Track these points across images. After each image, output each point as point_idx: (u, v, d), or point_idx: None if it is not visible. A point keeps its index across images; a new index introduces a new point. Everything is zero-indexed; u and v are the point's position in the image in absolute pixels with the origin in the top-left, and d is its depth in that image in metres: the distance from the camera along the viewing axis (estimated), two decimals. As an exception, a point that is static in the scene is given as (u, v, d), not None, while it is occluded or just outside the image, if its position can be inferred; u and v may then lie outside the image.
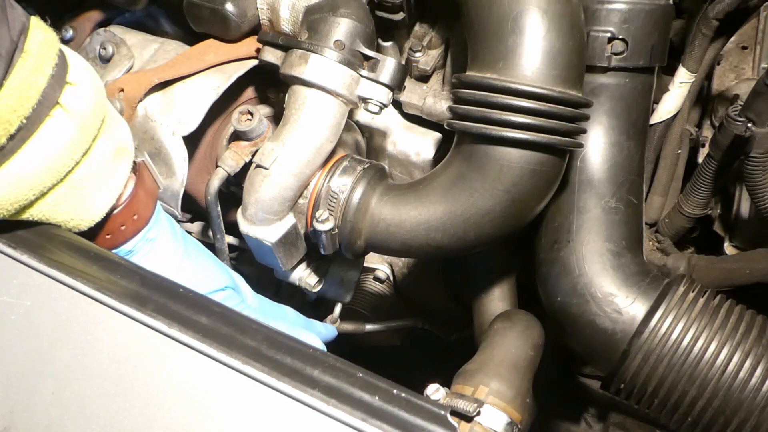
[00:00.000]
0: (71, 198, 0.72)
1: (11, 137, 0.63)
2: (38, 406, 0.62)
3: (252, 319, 0.65)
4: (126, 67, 0.99)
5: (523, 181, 0.81)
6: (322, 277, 1.04)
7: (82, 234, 0.75)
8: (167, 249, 0.83)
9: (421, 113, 1.09)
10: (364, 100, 0.89)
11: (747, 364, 0.78)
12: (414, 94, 1.09)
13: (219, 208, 0.93)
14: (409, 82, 1.09)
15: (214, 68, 0.96)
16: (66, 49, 0.71)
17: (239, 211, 0.90)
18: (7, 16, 0.62)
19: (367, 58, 0.89)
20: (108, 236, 0.78)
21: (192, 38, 1.02)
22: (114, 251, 0.79)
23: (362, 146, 1.11)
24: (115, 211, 0.77)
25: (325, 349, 0.85)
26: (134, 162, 0.79)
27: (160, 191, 0.88)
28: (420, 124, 1.12)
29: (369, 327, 1.29)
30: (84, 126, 0.69)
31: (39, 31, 0.66)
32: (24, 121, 0.64)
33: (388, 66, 0.88)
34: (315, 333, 0.99)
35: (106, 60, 1.00)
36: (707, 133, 1.09)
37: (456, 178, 0.84)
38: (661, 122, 1.08)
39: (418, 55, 1.06)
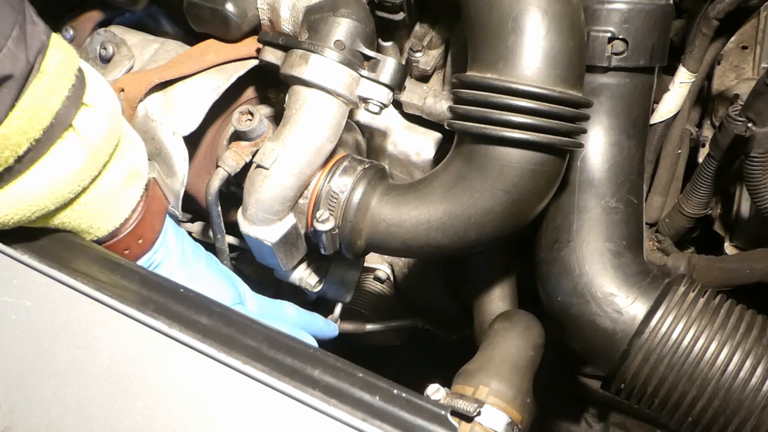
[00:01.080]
0: (75, 220, 0.71)
1: (19, 159, 0.62)
2: (39, 406, 0.62)
3: (252, 320, 0.65)
4: (126, 67, 0.99)
5: (523, 181, 0.81)
6: (323, 277, 1.04)
7: None
8: (170, 272, 0.82)
9: (422, 113, 1.09)
10: (365, 100, 0.89)
11: (747, 364, 0.78)
12: (414, 94, 1.09)
13: (219, 208, 0.93)
14: (409, 82, 1.09)
15: (215, 68, 0.96)
16: (87, 67, 0.70)
17: (239, 211, 0.90)
18: (26, 35, 0.60)
19: (367, 58, 0.89)
20: None
21: (192, 38, 1.01)
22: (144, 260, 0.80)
23: (362, 146, 1.11)
24: (121, 235, 0.76)
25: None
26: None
27: (169, 206, 0.87)
28: (420, 124, 1.12)
29: (369, 327, 1.29)
30: (95, 152, 0.68)
31: (58, 50, 0.64)
32: (33, 143, 0.62)
33: (388, 66, 0.88)
34: (317, 329, 0.98)
35: (106, 60, 1.00)
36: (707, 132, 1.09)
37: (456, 178, 0.84)
38: (661, 122, 1.08)
39: (418, 55, 1.06)
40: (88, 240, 0.74)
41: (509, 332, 0.93)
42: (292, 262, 0.96)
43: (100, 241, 0.75)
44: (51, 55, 0.63)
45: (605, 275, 0.86)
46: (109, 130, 0.70)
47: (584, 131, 0.84)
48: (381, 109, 0.90)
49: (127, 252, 0.77)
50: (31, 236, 0.70)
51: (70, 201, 0.69)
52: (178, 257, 0.83)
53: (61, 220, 0.70)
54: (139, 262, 0.79)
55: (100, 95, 0.69)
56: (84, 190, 0.69)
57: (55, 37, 0.65)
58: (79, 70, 0.67)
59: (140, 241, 0.78)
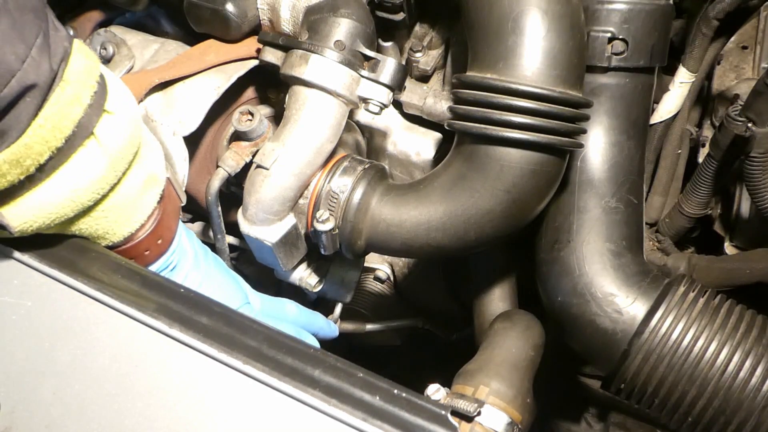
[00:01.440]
0: (93, 226, 0.71)
1: (40, 167, 0.62)
2: (39, 405, 0.62)
3: (252, 320, 0.65)
4: (126, 68, 0.99)
5: (523, 181, 0.81)
6: (323, 277, 1.04)
7: None
8: (186, 274, 0.82)
9: (422, 113, 1.09)
10: (365, 101, 0.90)
11: (747, 364, 0.78)
12: (414, 94, 1.09)
13: (219, 209, 0.93)
14: (409, 83, 1.09)
15: (215, 68, 0.96)
16: (107, 73, 0.69)
17: (240, 211, 0.91)
18: (49, 42, 0.59)
19: (367, 58, 0.89)
20: (131, 260, 0.77)
21: (192, 38, 1.02)
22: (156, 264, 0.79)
23: (363, 146, 1.11)
24: (141, 237, 0.75)
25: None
26: None
27: (181, 205, 0.87)
28: (420, 124, 1.12)
29: (369, 327, 1.29)
30: (116, 159, 0.67)
31: (80, 56, 0.64)
32: (55, 151, 0.62)
33: (388, 66, 0.88)
34: (317, 328, 0.98)
35: (106, 60, 1.00)
36: (707, 132, 1.09)
37: (456, 179, 0.84)
38: (661, 122, 1.08)
39: (418, 55, 1.06)
40: (103, 245, 0.74)
41: (509, 332, 0.93)
42: (292, 262, 0.96)
43: (116, 245, 0.75)
44: (73, 62, 0.62)
45: (605, 275, 0.86)
46: (130, 137, 0.69)
47: (584, 131, 0.84)
48: (381, 109, 0.90)
49: (147, 253, 0.77)
50: (32, 237, 0.70)
51: (89, 208, 0.68)
52: (192, 258, 0.83)
53: (78, 226, 0.70)
54: (158, 264, 0.79)
55: (121, 102, 0.68)
56: (103, 197, 0.69)
57: (77, 43, 0.64)
58: (101, 76, 0.66)
59: (160, 242, 0.78)
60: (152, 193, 0.75)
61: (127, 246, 0.75)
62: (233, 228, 0.95)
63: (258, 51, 0.97)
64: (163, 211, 0.77)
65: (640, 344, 0.81)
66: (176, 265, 0.81)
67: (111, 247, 0.75)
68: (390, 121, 1.13)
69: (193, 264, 0.83)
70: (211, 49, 0.98)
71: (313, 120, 0.87)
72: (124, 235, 0.74)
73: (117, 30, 1.05)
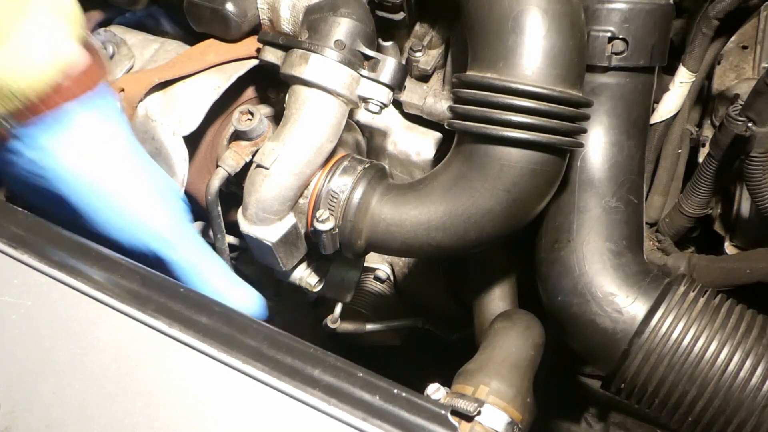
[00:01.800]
0: (7, 58, 0.67)
1: None
2: (39, 405, 0.62)
3: (252, 319, 0.65)
4: (126, 67, 0.99)
5: (523, 181, 0.81)
6: (323, 277, 1.04)
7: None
8: (124, 129, 0.79)
9: (422, 113, 1.09)
10: (365, 100, 0.90)
11: (747, 363, 0.78)
12: (414, 94, 1.09)
13: (219, 208, 0.93)
14: (409, 82, 1.09)
15: (215, 68, 0.96)
16: None
17: (240, 210, 0.91)
18: None
19: (367, 57, 0.89)
20: (59, 91, 0.73)
21: (192, 38, 1.02)
22: (69, 109, 0.75)
23: (363, 146, 1.11)
24: (66, 81, 0.72)
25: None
26: (86, 42, 0.74)
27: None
28: (420, 123, 1.12)
29: (369, 327, 1.29)
30: None
31: None
32: None
33: (388, 66, 0.88)
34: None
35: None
36: (708, 132, 1.09)
37: (456, 178, 0.84)
38: (661, 122, 1.08)
39: (418, 54, 1.06)
40: (28, 93, 0.70)
41: (509, 332, 0.93)
42: (292, 262, 0.96)
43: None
44: None
45: (605, 275, 0.86)
46: None
47: (584, 131, 0.84)
48: (381, 108, 0.90)
49: (74, 86, 0.74)
50: (31, 236, 0.70)
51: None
52: (129, 132, 0.80)
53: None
54: (90, 98, 0.76)
55: None
56: (10, 22, 0.66)
57: None
58: None
59: (87, 80, 0.75)
60: (66, 26, 0.72)
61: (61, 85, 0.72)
62: (233, 228, 0.95)
63: (258, 50, 0.97)
64: (92, 62, 0.75)
65: (641, 344, 0.81)
66: (111, 116, 0.78)
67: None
68: (390, 121, 1.13)
69: (128, 131, 0.80)
70: (211, 48, 0.98)
71: (313, 119, 0.87)
72: (49, 70, 0.70)
73: (117, 30, 1.05)
